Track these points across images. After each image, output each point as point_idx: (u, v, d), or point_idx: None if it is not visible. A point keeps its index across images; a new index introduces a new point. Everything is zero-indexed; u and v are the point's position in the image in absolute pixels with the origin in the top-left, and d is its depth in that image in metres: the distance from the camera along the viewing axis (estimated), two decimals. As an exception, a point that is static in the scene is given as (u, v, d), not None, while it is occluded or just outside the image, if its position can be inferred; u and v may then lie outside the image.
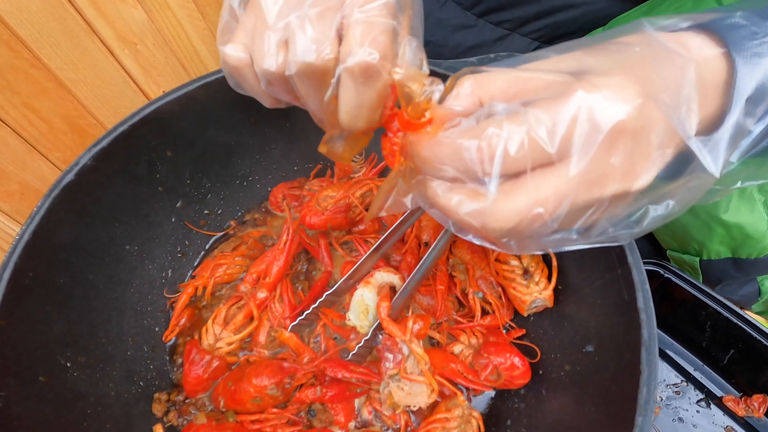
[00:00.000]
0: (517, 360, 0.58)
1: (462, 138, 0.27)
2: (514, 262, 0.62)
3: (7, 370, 0.47)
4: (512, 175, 0.27)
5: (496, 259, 0.64)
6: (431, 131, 0.29)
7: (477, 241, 0.32)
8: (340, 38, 0.32)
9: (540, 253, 0.35)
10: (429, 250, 0.59)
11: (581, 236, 0.30)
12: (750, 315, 0.67)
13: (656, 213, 0.30)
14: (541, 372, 0.59)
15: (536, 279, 0.60)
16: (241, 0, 0.35)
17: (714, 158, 0.28)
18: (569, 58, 0.30)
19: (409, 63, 0.31)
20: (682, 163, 0.29)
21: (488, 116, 0.27)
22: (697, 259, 0.70)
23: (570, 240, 0.30)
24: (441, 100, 0.29)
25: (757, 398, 0.68)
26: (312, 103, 0.35)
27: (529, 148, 0.26)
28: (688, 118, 0.27)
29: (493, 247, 0.32)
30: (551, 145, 0.25)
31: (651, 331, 0.44)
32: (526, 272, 0.61)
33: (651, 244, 0.80)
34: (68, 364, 0.54)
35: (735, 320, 0.66)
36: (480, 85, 0.29)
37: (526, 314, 0.62)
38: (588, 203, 0.28)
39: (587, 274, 0.55)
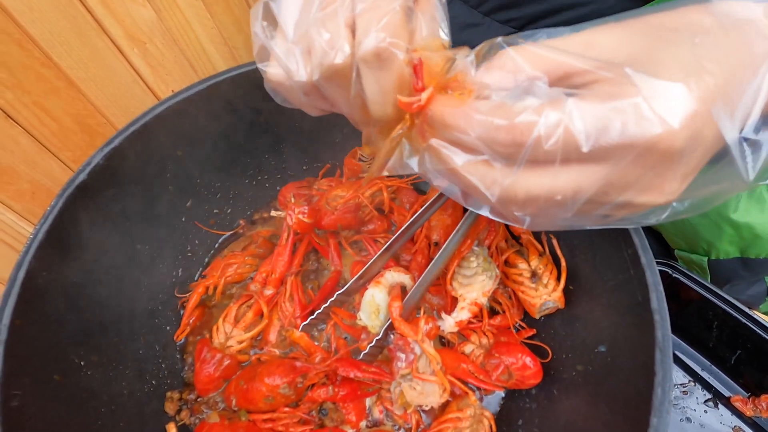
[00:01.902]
0: (528, 360, 0.58)
1: (494, 115, 0.26)
2: (522, 266, 0.62)
3: (23, 369, 0.47)
4: (537, 161, 0.26)
5: (504, 263, 0.64)
6: (459, 98, 0.28)
7: (487, 214, 0.31)
8: (353, 33, 0.32)
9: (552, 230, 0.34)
10: (440, 251, 0.59)
11: (596, 223, 0.29)
12: (758, 315, 0.67)
13: (678, 209, 0.29)
14: (552, 372, 0.59)
15: (545, 281, 0.60)
16: (266, 23, 0.36)
17: (753, 164, 0.26)
18: (623, 41, 0.27)
19: (427, 36, 0.31)
20: (714, 161, 0.27)
21: (525, 96, 0.26)
22: (706, 258, 0.70)
23: (584, 222, 0.30)
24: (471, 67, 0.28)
25: (765, 398, 0.68)
26: (342, 104, 0.35)
27: (563, 142, 0.25)
28: (743, 120, 0.25)
29: (501, 221, 0.32)
30: (586, 146, 0.24)
31: (665, 332, 0.45)
32: (534, 275, 0.61)
33: (659, 244, 0.80)
34: (82, 363, 0.54)
35: (743, 320, 0.66)
36: (519, 61, 0.27)
37: (537, 316, 0.62)
38: (606, 202, 0.27)
39: (599, 274, 0.55)
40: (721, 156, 0.27)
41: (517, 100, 0.26)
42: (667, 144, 0.24)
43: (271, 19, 0.36)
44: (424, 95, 0.29)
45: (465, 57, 0.29)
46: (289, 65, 0.34)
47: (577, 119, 0.24)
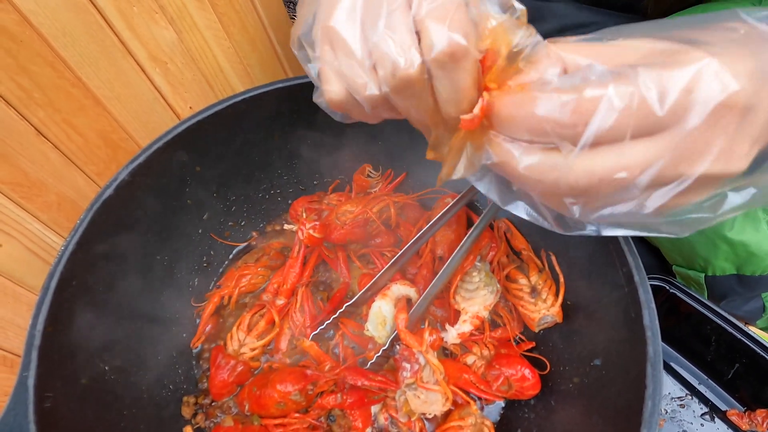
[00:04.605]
0: (527, 372, 0.61)
1: (559, 94, 0.26)
2: (523, 281, 0.65)
3: (55, 372, 0.51)
4: (601, 141, 0.25)
5: (505, 278, 0.67)
6: (515, 89, 0.28)
7: (523, 214, 0.31)
8: (419, 38, 0.31)
9: (592, 232, 0.33)
10: (444, 265, 0.62)
11: (651, 215, 0.28)
12: (754, 331, 0.69)
13: (734, 201, 0.28)
14: (550, 384, 0.62)
15: (544, 296, 0.63)
16: (308, 52, 0.37)
17: None
18: (671, 32, 0.27)
19: (494, 25, 0.29)
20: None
21: (583, 80, 0.26)
22: (703, 275, 0.71)
23: (636, 218, 0.29)
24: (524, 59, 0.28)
25: (760, 413, 0.69)
26: (413, 111, 0.35)
27: (635, 109, 0.24)
28: None
29: (537, 219, 0.31)
30: (661, 109, 0.24)
31: (656, 348, 0.47)
32: (533, 290, 0.64)
33: (657, 260, 0.82)
34: (106, 368, 0.57)
35: (739, 336, 0.68)
36: (569, 51, 0.27)
37: (536, 330, 0.65)
38: (673, 178, 0.26)
39: (596, 291, 0.58)
40: None
41: (576, 82, 0.26)
42: (736, 99, 0.24)
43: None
44: (477, 108, 0.29)
45: (527, 39, 0.28)
46: (357, 82, 0.33)
47: (648, 84, 0.24)
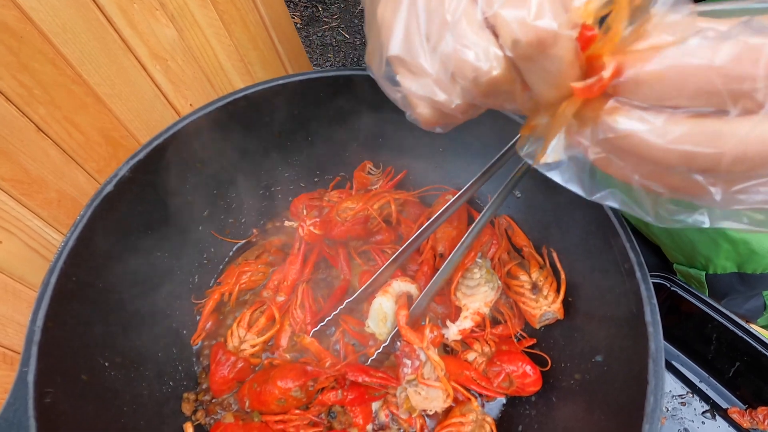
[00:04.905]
0: (528, 368, 0.61)
1: (710, 50, 0.22)
2: (524, 277, 0.65)
3: (55, 368, 0.51)
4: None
5: (506, 274, 0.67)
6: (652, 50, 0.25)
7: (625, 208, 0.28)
8: (496, 34, 0.28)
9: (699, 223, 0.29)
10: (445, 262, 0.62)
11: None
12: (755, 328, 0.68)
13: None
14: (551, 380, 0.62)
15: (545, 293, 0.63)
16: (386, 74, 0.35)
17: None
18: None
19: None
20: None
21: (735, 33, 0.22)
22: (704, 273, 0.71)
23: None
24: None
25: (761, 410, 0.69)
26: (507, 105, 0.32)
27: None
28: None
29: (650, 196, 0.28)
30: None
31: (658, 344, 0.47)
32: (534, 287, 0.64)
33: (658, 258, 0.82)
34: (106, 364, 0.57)
35: (740, 333, 0.68)
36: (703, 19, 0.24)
37: (537, 327, 0.65)
38: None
39: (597, 287, 0.58)
40: None
41: (725, 38, 0.22)
42: None
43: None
44: (607, 71, 0.25)
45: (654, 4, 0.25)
46: (439, 100, 0.32)
47: None
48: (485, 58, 0.28)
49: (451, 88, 0.31)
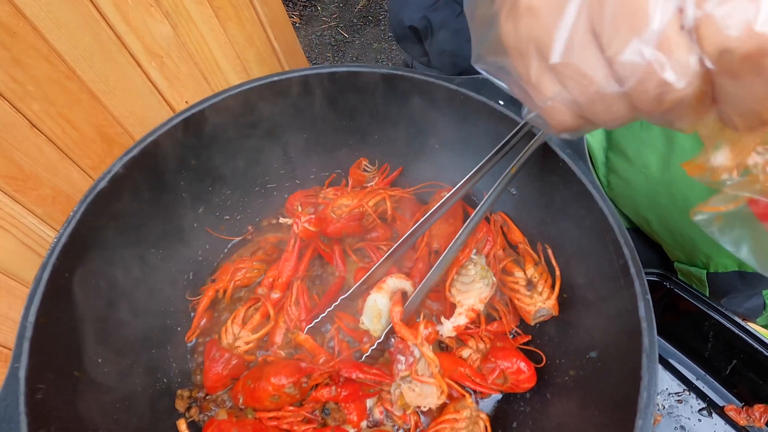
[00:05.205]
0: (523, 365, 0.61)
1: None
2: (519, 274, 0.65)
3: (46, 364, 0.50)
4: None
5: (501, 271, 0.66)
6: None
7: None
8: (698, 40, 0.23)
9: None
10: (440, 258, 0.62)
11: None
12: (752, 327, 0.68)
13: None
14: (546, 377, 0.62)
15: (539, 289, 0.63)
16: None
17: None
18: None
19: None
20: None
21: None
22: (704, 271, 0.71)
23: None
24: None
25: (758, 408, 0.69)
26: (678, 123, 0.28)
27: None
28: None
29: None
30: None
31: (652, 339, 0.47)
32: (529, 283, 0.64)
33: (658, 256, 0.81)
34: (99, 360, 0.57)
35: (737, 331, 0.68)
36: None
37: (532, 323, 0.64)
38: None
39: (591, 284, 0.58)
40: None
41: None
42: None
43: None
44: None
45: None
46: (598, 112, 0.28)
47: None
48: (683, 73, 0.24)
49: (616, 98, 0.27)
